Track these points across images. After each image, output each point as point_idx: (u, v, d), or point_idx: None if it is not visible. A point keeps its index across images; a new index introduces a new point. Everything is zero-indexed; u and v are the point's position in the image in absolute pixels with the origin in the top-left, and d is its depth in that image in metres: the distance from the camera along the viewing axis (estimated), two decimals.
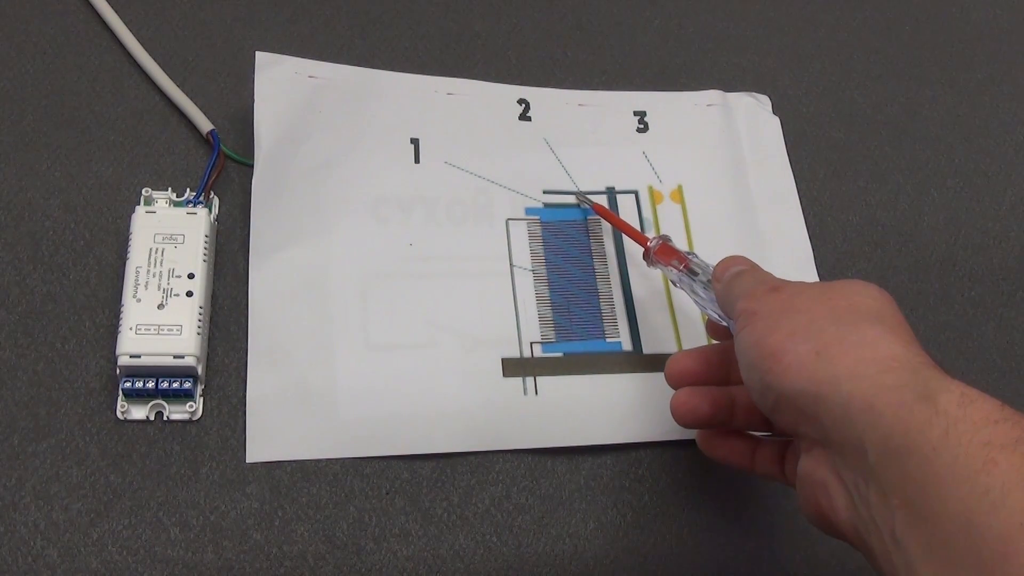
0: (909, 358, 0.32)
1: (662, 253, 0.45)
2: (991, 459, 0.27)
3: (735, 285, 0.38)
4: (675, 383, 0.40)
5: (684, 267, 0.43)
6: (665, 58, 0.58)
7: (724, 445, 0.41)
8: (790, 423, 0.34)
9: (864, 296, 0.35)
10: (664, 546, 0.43)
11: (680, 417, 0.40)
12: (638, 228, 0.51)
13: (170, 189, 0.47)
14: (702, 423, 0.40)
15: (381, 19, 0.56)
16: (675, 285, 0.45)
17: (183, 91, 0.50)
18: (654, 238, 0.46)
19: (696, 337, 0.48)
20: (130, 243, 0.44)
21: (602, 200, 0.51)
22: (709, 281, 0.41)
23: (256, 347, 0.44)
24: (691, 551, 0.43)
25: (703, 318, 0.46)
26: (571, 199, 0.51)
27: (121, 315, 0.42)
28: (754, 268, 0.39)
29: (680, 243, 0.51)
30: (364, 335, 0.45)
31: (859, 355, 0.32)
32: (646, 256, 0.46)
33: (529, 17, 0.58)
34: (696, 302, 0.43)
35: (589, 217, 0.50)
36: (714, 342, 0.44)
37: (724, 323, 0.40)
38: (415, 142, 0.50)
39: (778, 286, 0.36)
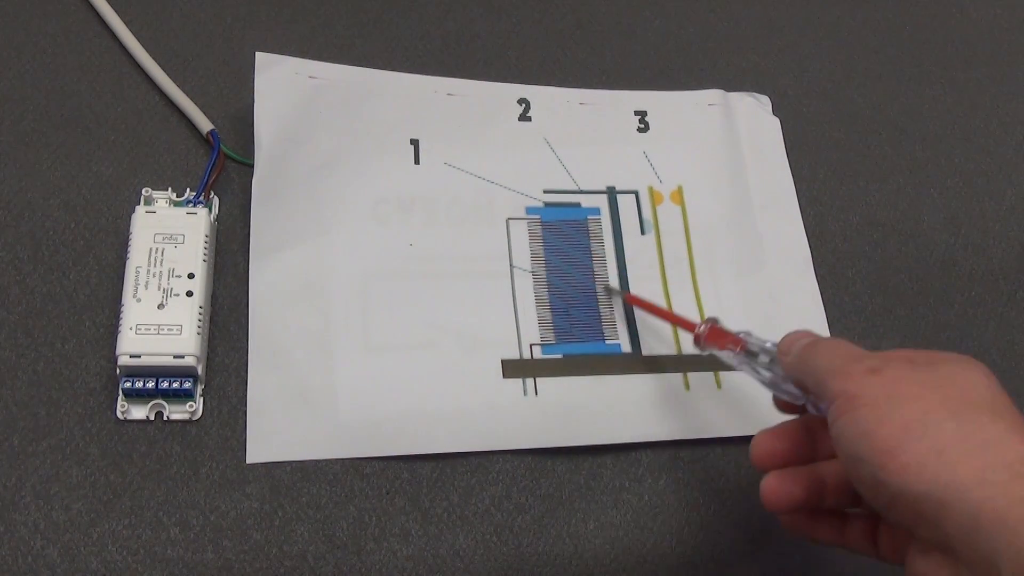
0: None
1: (714, 337, 0.42)
2: None
3: (813, 358, 0.35)
4: (762, 466, 0.38)
5: (740, 349, 0.40)
6: (665, 58, 0.58)
7: (813, 524, 0.38)
8: (906, 523, 0.32)
9: (974, 383, 0.32)
10: (664, 546, 0.43)
11: (773, 504, 0.37)
12: (638, 229, 0.51)
13: (170, 189, 0.47)
14: (795, 508, 0.37)
15: (381, 19, 0.56)
16: (734, 368, 0.41)
17: (183, 91, 0.50)
18: (702, 324, 0.42)
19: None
20: (130, 243, 0.44)
21: (602, 200, 0.51)
22: (772, 360, 0.38)
23: (256, 348, 0.44)
24: (691, 551, 0.43)
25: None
26: (572, 199, 0.51)
27: (121, 315, 0.42)
28: (826, 339, 0.37)
29: (679, 245, 0.51)
30: (364, 336, 0.45)
31: (985, 458, 0.30)
32: (696, 342, 0.43)
33: (529, 17, 0.58)
34: (761, 383, 0.40)
35: (589, 218, 0.50)
36: (789, 417, 0.40)
37: (799, 402, 0.38)
38: (415, 143, 0.50)
39: (877, 367, 0.33)
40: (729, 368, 0.41)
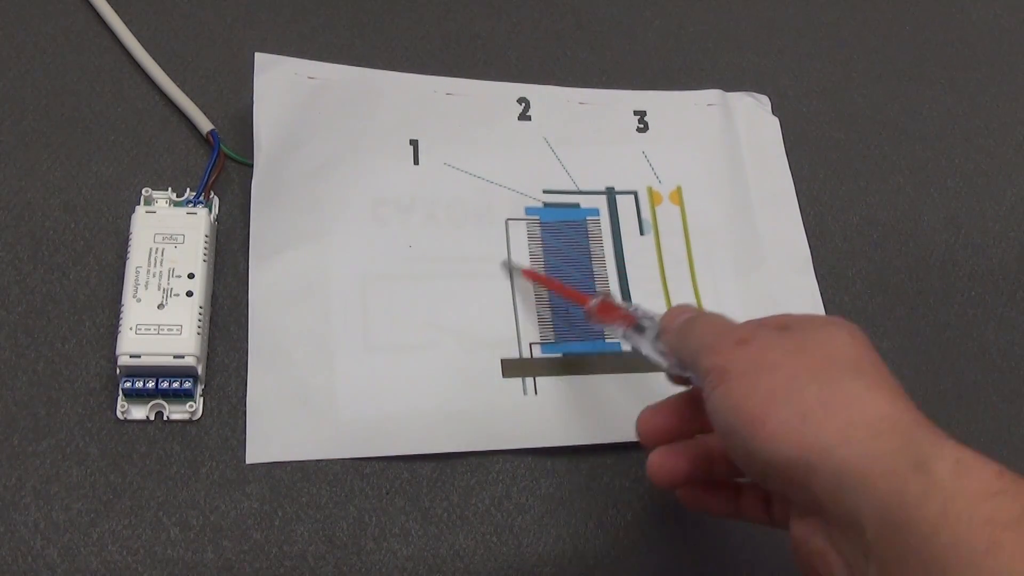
0: (898, 417, 0.30)
1: (604, 312, 0.42)
2: (995, 541, 0.25)
3: (690, 335, 0.36)
4: (649, 443, 0.38)
5: (630, 324, 0.40)
6: (665, 58, 0.58)
7: (706, 497, 0.38)
8: (780, 490, 0.32)
9: (838, 344, 0.33)
10: (664, 546, 0.43)
11: (659, 480, 0.37)
12: (637, 230, 0.51)
13: (170, 189, 0.47)
14: (683, 482, 0.37)
15: (381, 19, 0.56)
16: (624, 341, 0.41)
17: (183, 91, 0.50)
18: (594, 297, 0.43)
19: None
20: (130, 243, 0.44)
21: (601, 201, 0.51)
22: (658, 336, 0.38)
23: (256, 349, 0.44)
24: (691, 551, 0.43)
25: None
26: (571, 199, 0.51)
27: (121, 315, 0.42)
28: (705, 314, 0.37)
29: (678, 246, 0.51)
30: (364, 336, 0.45)
31: (847, 417, 0.30)
32: (588, 317, 0.43)
33: (529, 17, 0.59)
34: (649, 357, 0.39)
35: (588, 219, 0.50)
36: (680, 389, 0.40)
37: (685, 375, 0.38)
38: (414, 143, 0.50)
39: (744, 337, 0.33)
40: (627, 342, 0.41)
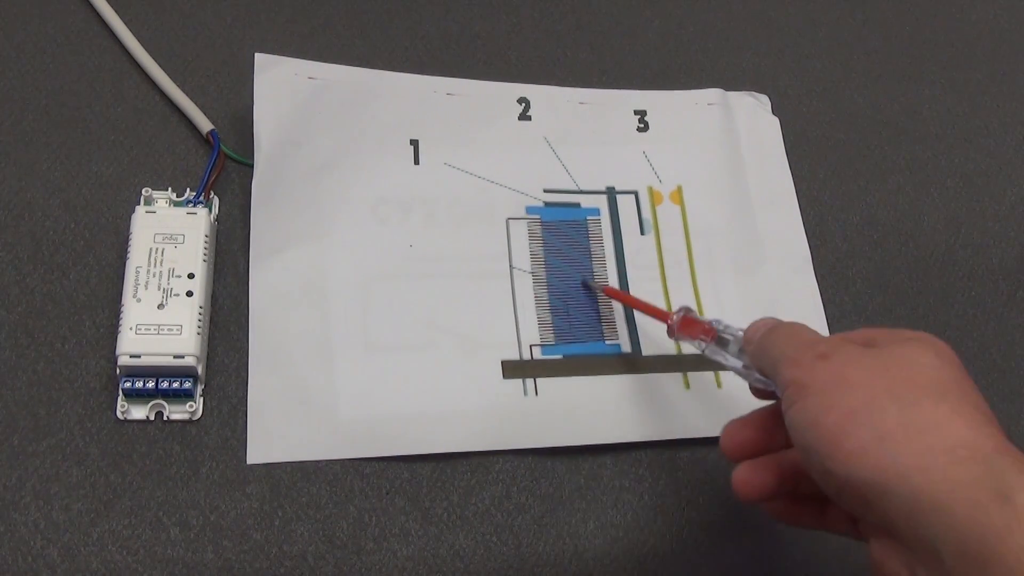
0: (979, 444, 0.29)
1: (687, 327, 0.42)
2: None
3: (770, 345, 0.36)
4: (735, 457, 0.37)
5: (712, 338, 0.40)
6: (665, 57, 0.58)
7: (792, 509, 0.38)
8: (857, 510, 0.32)
9: (923, 366, 0.32)
10: (664, 546, 0.43)
11: (745, 495, 0.36)
12: (638, 229, 0.51)
13: (170, 189, 0.47)
14: (769, 497, 0.37)
15: (381, 19, 0.56)
16: (706, 357, 0.41)
17: (183, 91, 0.50)
18: (676, 312, 0.42)
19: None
20: (130, 243, 0.44)
21: (602, 201, 0.51)
22: (741, 349, 0.38)
23: (257, 349, 0.44)
24: (691, 551, 0.43)
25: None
26: (572, 199, 0.51)
27: (121, 315, 0.42)
28: (786, 323, 0.37)
29: (679, 245, 0.51)
30: (364, 336, 0.45)
31: (925, 442, 0.29)
32: (670, 332, 0.43)
33: (529, 17, 0.59)
34: (734, 371, 0.39)
35: (589, 219, 0.50)
36: (763, 404, 0.39)
37: (770, 388, 0.37)
38: (415, 143, 0.50)
39: (825, 352, 0.33)
40: (719, 365, 0.41)
